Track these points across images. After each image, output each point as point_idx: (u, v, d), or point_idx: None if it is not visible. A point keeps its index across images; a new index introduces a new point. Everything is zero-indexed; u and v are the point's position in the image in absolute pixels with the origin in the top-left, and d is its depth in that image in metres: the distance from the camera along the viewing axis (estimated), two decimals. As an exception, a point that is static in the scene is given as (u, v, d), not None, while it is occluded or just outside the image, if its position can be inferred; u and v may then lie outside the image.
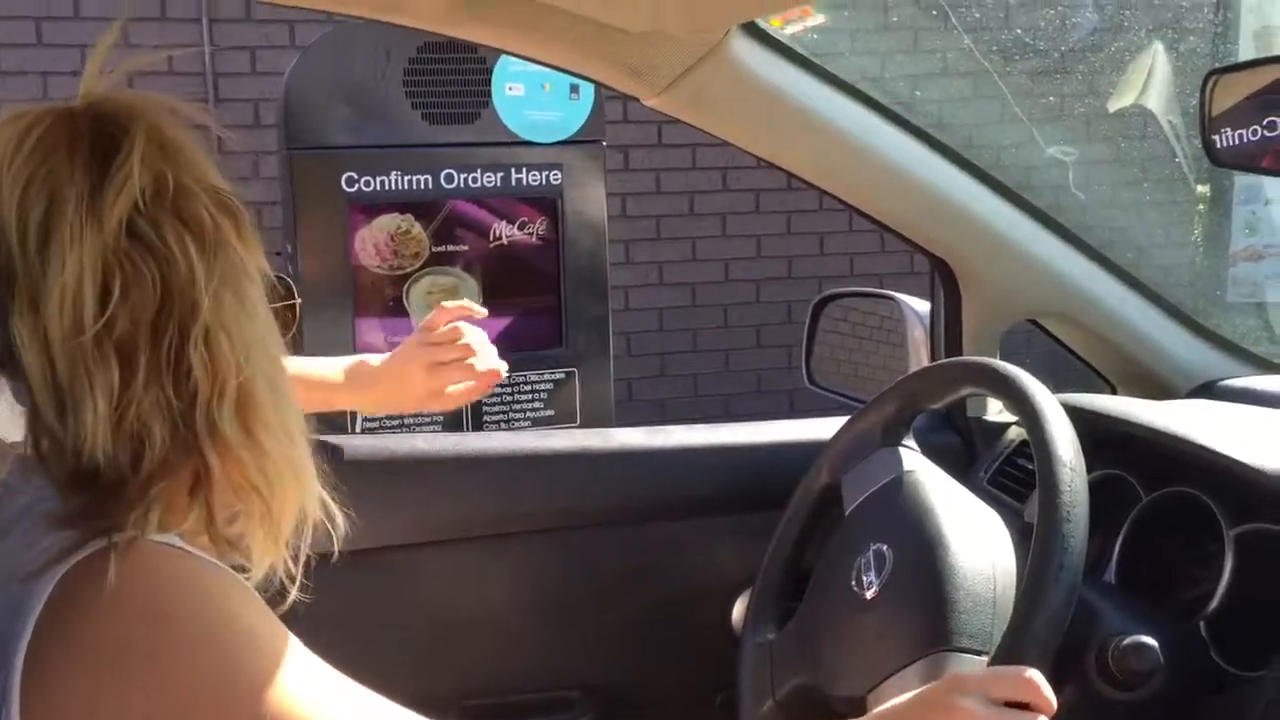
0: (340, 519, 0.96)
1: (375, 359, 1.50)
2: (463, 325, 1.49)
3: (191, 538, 0.87)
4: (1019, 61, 4.50)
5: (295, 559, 0.93)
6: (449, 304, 1.50)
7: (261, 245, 0.91)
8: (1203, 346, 1.69)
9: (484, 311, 1.52)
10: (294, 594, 0.93)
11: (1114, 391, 1.73)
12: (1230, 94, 1.02)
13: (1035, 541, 1.05)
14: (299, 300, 1.08)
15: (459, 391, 1.48)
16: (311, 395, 1.43)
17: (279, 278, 1.04)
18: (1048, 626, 1.00)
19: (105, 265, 0.81)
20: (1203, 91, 1.04)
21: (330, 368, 1.50)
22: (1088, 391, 1.73)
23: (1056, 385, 1.78)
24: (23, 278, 0.82)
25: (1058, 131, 4.63)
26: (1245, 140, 1.00)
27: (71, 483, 0.84)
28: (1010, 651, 1.00)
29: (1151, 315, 1.65)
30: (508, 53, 1.38)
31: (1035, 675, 0.90)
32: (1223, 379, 1.65)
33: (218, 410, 0.84)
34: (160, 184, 0.84)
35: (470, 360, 1.48)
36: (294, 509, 0.91)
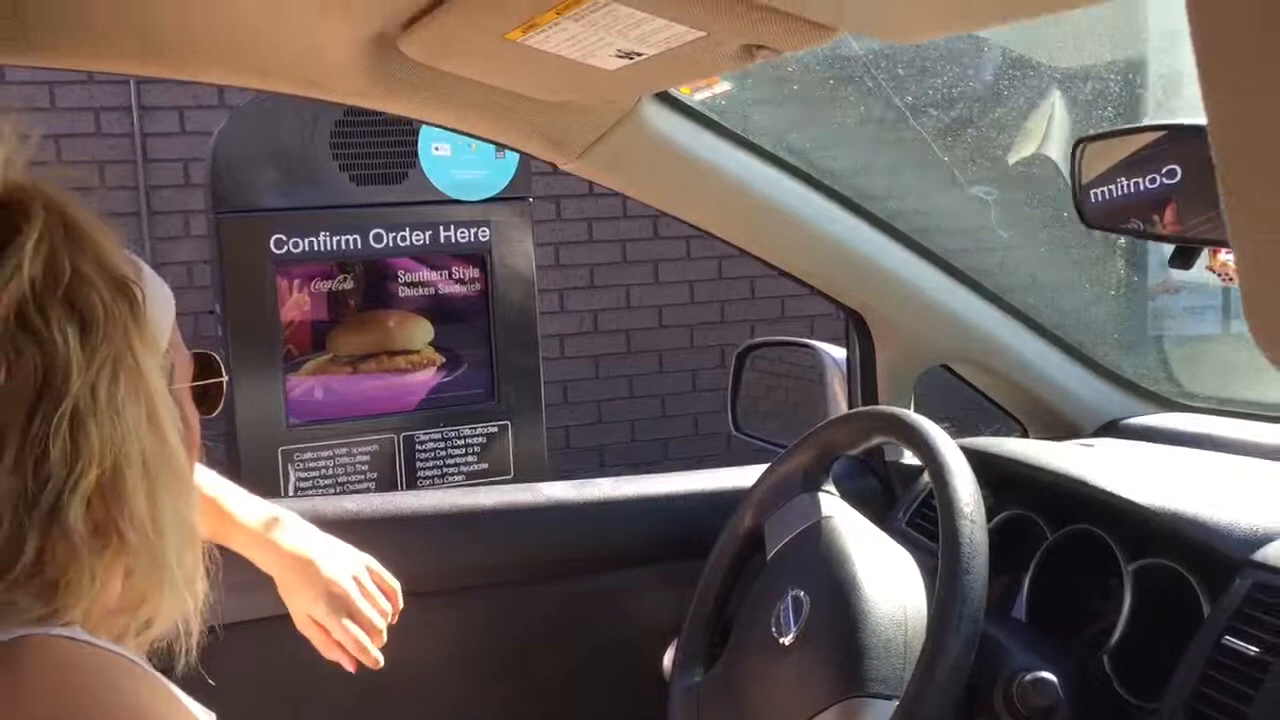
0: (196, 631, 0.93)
1: (292, 527, 1.37)
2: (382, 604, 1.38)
3: (95, 625, 0.86)
4: (936, 111, 4.63)
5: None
6: (381, 571, 1.40)
7: (152, 332, 0.90)
8: (1106, 387, 1.76)
9: (392, 606, 1.39)
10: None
11: (1025, 432, 1.79)
12: (1099, 160, 1.09)
13: (937, 593, 1.09)
14: (226, 378, 1.08)
15: (323, 639, 1.35)
16: (208, 523, 1.31)
17: (204, 355, 1.05)
18: (950, 674, 1.04)
19: None
20: (1073, 158, 1.11)
21: (242, 513, 1.36)
22: (1006, 431, 1.80)
23: (981, 423, 1.85)
24: None
25: (977, 174, 4.76)
26: (1113, 199, 1.07)
27: None
28: (915, 700, 1.05)
29: (1055, 358, 1.72)
30: (428, 124, 1.42)
31: None
32: (1125, 418, 1.73)
33: (67, 498, 0.82)
34: (55, 271, 0.85)
35: (346, 621, 1.34)
36: (157, 601, 0.89)
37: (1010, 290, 1.74)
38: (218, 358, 1.06)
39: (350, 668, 1.35)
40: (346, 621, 1.33)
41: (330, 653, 1.34)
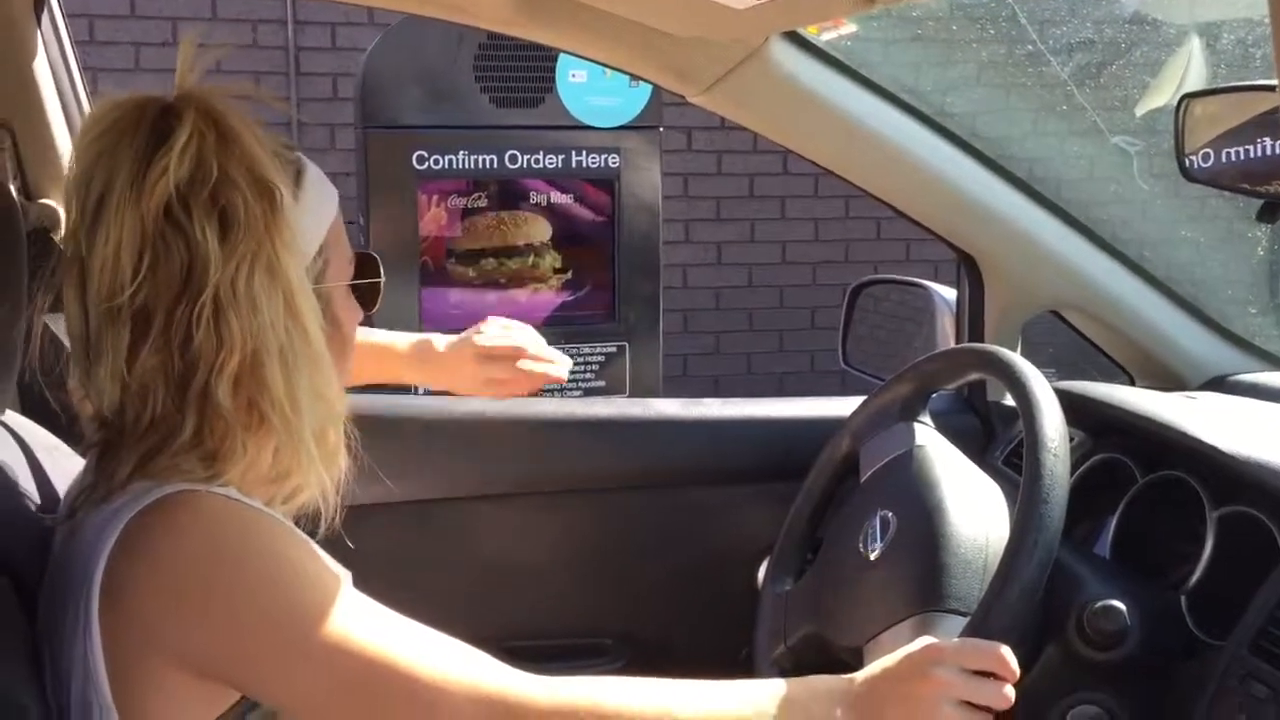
0: (333, 499, 1.04)
1: (440, 340, 1.57)
2: (515, 327, 1.57)
3: (249, 490, 0.99)
4: (1077, 54, 4.52)
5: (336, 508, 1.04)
6: (499, 319, 1.58)
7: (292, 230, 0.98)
8: (1217, 342, 1.76)
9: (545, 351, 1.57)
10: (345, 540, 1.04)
11: (1131, 381, 1.81)
12: (1204, 119, 1.11)
13: (1015, 519, 1.15)
14: (383, 279, 1.15)
15: (511, 380, 1.54)
16: (380, 366, 1.53)
17: (365, 255, 1.14)
18: (1020, 594, 1.10)
19: (141, 242, 0.93)
20: (1177, 114, 1.13)
21: (399, 342, 1.57)
22: (1111, 380, 1.82)
23: (1090, 371, 1.87)
24: (76, 246, 0.96)
25: (1120, 122, 4.63)
26: (1216, 163, 1.09)
27: (98, 428, 0.98)
28: (986, 616, 1.11)
29: (1166, 310, 1.73)
30: (565, 52, 1.50)
31: (1003, 649, 1.01)
32: (1233, 374, 1.74)
33: (215, 380, 0.94)
34: (203, 172, 0.94)
35: (520, 361, 1.54)
36: (299, 474, 1.00)
37: (1140, 243, 1.74)
38: (378, 258, 1.15)
39: (539, 385, 1.54)
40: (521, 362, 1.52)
41: (517, 388, 1.54)
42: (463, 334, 1.56)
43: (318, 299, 1.03)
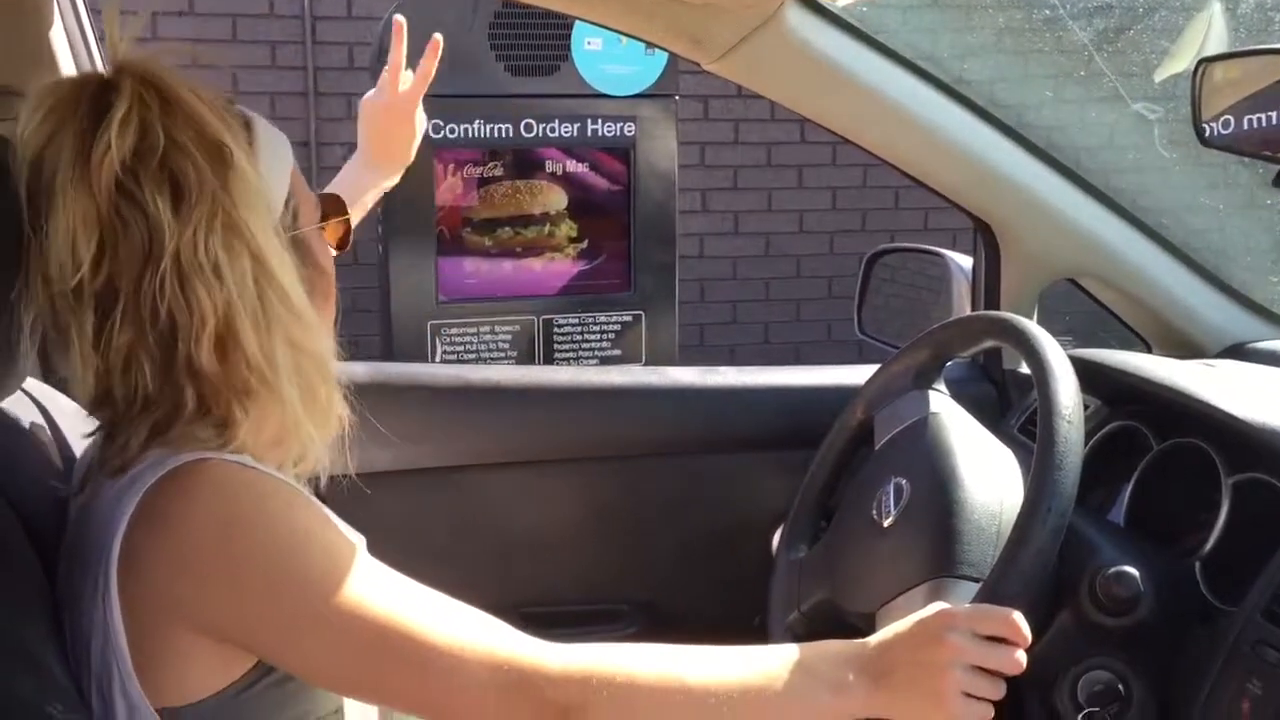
0: (329, 449, 1.04)
1: (360, 141, 1.60)
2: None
3: (260, 455, 0.99)
4: (1097, 19, 4.47)
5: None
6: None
7: (254, 188, 0.97)
8: (1236, 310, 1.75)
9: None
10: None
11: (1148, 349, 1.80)
12: (1222, 82, 1.10)
13: (1028, 485, 1.15)
14: (350, 215, 1.14)
15: (409, 90, 1.60)
16: (355, 200, 1.52)
17: (329, 195, 1.13)
18: (1033, 560, 1.10)
19: (97, 222, 0.92)
20: (1194, 79, 1.12)
21: (349, 173, 1.59)
22: (1128, 348, 1.81)
23: (1100, 341, 1.86)
24: (35, 236, 0.94)
25: (1141, 88, 4.58)
26: (1236, 129, 1.08)
27: (94, 408, 0.98)
28: (999, 582, 1.11)
29: (1184, 278, 1.71)
30: (579, 18, 1.49)
31: (1016, 615, 1.02)
32: (1252, 341, 1.73)
33: (195, 350, 0.93)
34: (150, 142, 0.92)
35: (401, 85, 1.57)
36: (297, 435, 1.00)
37: (1159, 211, 1.73)
38: (342, 196, 1.14)
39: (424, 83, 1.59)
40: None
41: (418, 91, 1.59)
42: (365, 111, 1.60)
43: (297, 247, 1.02)
